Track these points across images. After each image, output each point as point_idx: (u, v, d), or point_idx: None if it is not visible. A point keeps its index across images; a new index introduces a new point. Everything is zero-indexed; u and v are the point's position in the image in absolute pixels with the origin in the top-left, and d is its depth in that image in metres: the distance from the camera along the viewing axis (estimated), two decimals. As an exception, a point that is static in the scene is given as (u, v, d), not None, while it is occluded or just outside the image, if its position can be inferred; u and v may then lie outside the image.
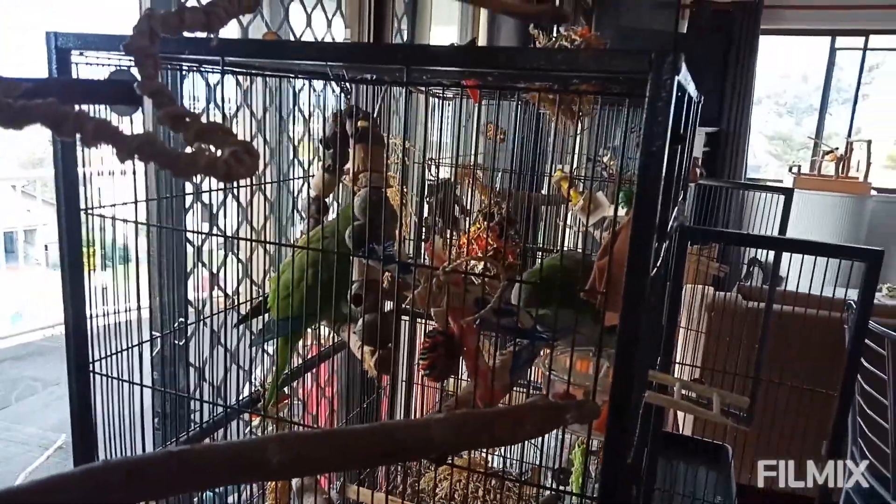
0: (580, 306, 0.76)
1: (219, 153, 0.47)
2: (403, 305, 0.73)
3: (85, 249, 0.94)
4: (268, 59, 0.80)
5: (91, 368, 0.92)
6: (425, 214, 1.56)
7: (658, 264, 0.89)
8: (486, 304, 0.71)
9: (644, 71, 0.57)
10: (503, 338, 0.81)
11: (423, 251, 1.29)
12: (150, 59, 0.52)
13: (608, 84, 0.83)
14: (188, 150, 0.49)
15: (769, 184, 5.24)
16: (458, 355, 0.73)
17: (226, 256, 1.37)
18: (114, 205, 0.91)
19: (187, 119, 0.49)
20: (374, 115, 1.04)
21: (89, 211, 0.89)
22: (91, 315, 0.94)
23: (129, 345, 1.01)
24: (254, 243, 1.43)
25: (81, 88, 0.79)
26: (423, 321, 1.12)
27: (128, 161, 0.47)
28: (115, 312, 1.01)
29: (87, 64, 0.86)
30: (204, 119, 0.49)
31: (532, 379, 1.69)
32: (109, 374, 0.95)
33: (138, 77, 0.52)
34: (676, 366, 2.03)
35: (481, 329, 0.75)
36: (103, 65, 0.86)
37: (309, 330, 1.14)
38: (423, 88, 1.10)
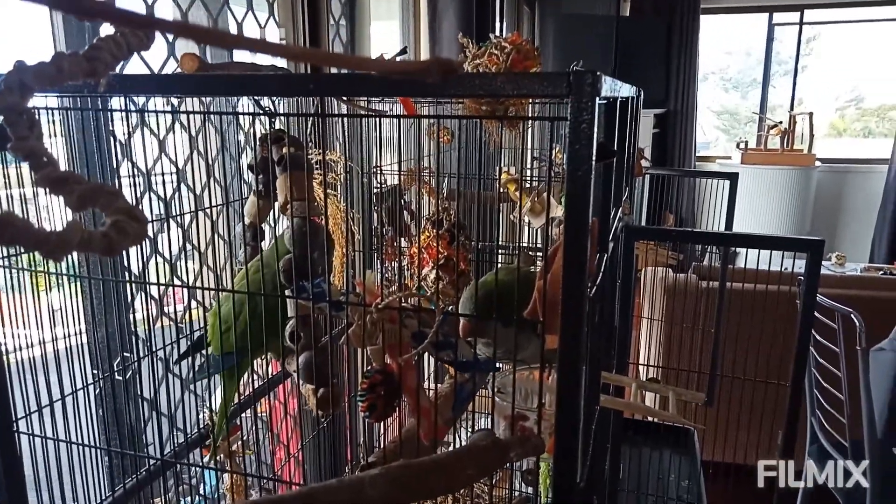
0: (521, 324, 0.73)
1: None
2: (339, 343, 0.70)
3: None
4: (170, 94, 0.75)
5: (16, 428, 0.86)
6: (374, 224, 1.52)
7: (602, 274, 0.88)
8: (424, 337, 0.68)
9: (563, 94, 0.54)
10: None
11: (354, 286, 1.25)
12: (22, 117, 0.47)
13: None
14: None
15: (719, 161, 5.36)
16: (399, 394, 0.70)
17: (169, 281, 1.31)
18: (15, 254, 0.84)
19: (69, 182, 0.45)
20: (305, 136, 1.00)
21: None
22: (28, 345, 0.87)
23: (73, 387, 0.95)
24: (200, 265, 1.38)
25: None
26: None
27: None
28: (52, 340, 0.95)
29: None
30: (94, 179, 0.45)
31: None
32: (39, 433, 0.89)
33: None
34: (633, 365, 2.05)
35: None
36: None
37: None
38: (362, 102, 1.06)
